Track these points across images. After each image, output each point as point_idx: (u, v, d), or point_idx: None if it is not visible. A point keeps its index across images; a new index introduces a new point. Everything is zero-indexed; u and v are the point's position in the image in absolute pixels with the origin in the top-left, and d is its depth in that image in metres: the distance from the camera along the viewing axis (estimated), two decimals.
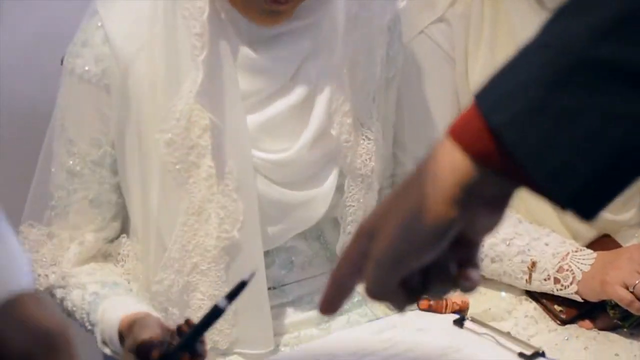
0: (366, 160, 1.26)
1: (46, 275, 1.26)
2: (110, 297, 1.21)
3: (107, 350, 1.20)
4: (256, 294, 1.21)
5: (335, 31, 1.21)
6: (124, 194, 1.26)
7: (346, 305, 1.33)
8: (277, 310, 1.28)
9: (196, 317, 1.09)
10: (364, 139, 1.27)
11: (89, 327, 1.22)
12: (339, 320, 1.32)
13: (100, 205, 1.25)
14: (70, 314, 1.26)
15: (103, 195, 1.25)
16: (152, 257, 1.23)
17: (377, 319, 1.29)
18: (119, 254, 1.28)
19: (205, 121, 1.17)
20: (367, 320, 1.32)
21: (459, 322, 1.28)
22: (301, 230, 1.28)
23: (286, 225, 1.26)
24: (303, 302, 1.31)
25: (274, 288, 1.28)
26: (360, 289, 1.34)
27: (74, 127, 1.23)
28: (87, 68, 1.20)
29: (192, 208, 1.19)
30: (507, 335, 1.23)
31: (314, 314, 1.30)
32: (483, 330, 1.24)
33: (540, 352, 1.18)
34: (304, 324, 1.30)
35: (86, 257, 1.27)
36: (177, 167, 1.18)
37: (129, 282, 1.27)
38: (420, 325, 1.28)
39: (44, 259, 1.26)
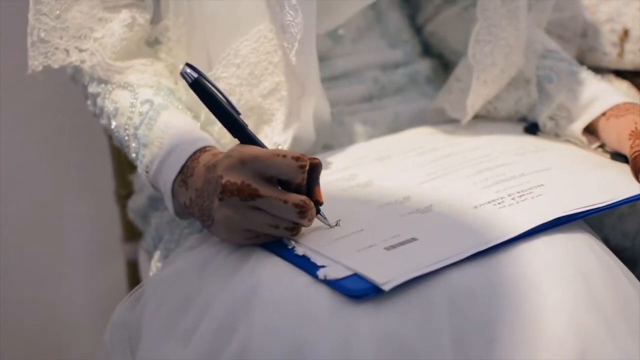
0: None
1: (66, 50, 1.00)
2: (169, 110, 0.97)
3: (148, 182, 0.96)
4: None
5: None
6: None
7: (401, 77, 1.15)
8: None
9: None
10: None
11: (133, 144, 0.97)
12: (393, 99, 1.13)
13: None
14: (105, 116, 1.01)
15: None
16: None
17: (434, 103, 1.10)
18: (169, 39, 1.03)
19: None
20: (426, 99, 1.14)
21: (532, 129, 1.08)
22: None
23: None
24: (350, 77, 1.12)
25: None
26: (419, 67, 1.14)
27: None
28: None
29: None
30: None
31: (361, 89, 1.12)
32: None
33: None
34: (350, 98, 1.12)
35: (134, 48, 1.02)
36: None
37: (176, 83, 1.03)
38: (488, 130, 1.09)
39: (66, 27, 0.99)
